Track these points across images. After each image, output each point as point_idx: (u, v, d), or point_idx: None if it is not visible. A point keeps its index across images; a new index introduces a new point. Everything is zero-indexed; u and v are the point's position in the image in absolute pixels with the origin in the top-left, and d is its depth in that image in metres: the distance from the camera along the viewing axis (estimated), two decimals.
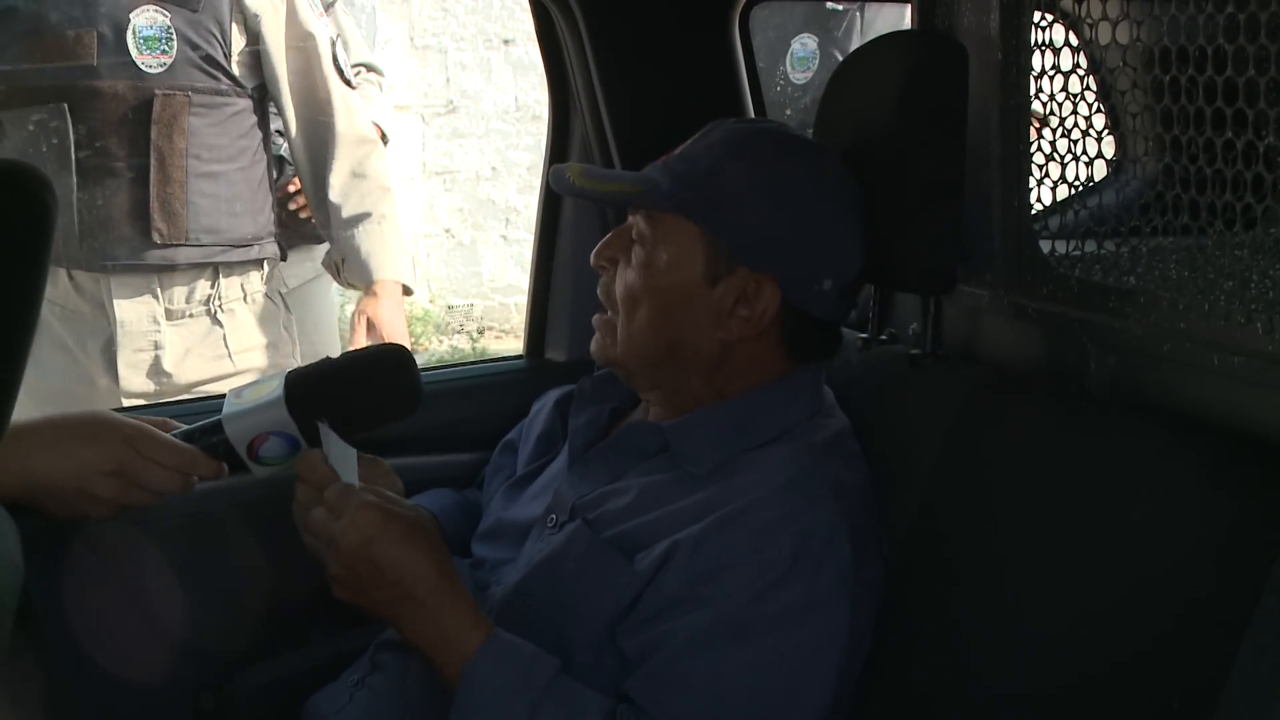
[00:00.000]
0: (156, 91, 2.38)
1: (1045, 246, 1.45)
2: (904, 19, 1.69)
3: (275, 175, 2.67)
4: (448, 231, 6.61)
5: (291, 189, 2.76)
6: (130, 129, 2.39)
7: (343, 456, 1.38)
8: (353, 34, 2.93)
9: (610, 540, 1.39)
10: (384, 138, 2.89)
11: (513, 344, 6.46)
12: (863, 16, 3.11)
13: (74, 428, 1.43)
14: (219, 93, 2.45)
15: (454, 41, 6.40)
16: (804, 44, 3.15)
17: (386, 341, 2.37)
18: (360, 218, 2.55)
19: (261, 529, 1.62)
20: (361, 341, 2.52)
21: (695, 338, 1.45)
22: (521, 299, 6.57)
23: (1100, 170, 1.44)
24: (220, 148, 2.45)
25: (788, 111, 3.06)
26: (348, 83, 2.57)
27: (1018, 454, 1.36)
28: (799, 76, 3.14)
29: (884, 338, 1.67)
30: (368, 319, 2.56)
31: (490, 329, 6.71)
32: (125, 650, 1.57)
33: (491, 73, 6.50)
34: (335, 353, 2.99)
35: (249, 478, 1.45)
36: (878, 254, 1.50)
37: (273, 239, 2.56)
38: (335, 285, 2.85)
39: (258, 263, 2.54)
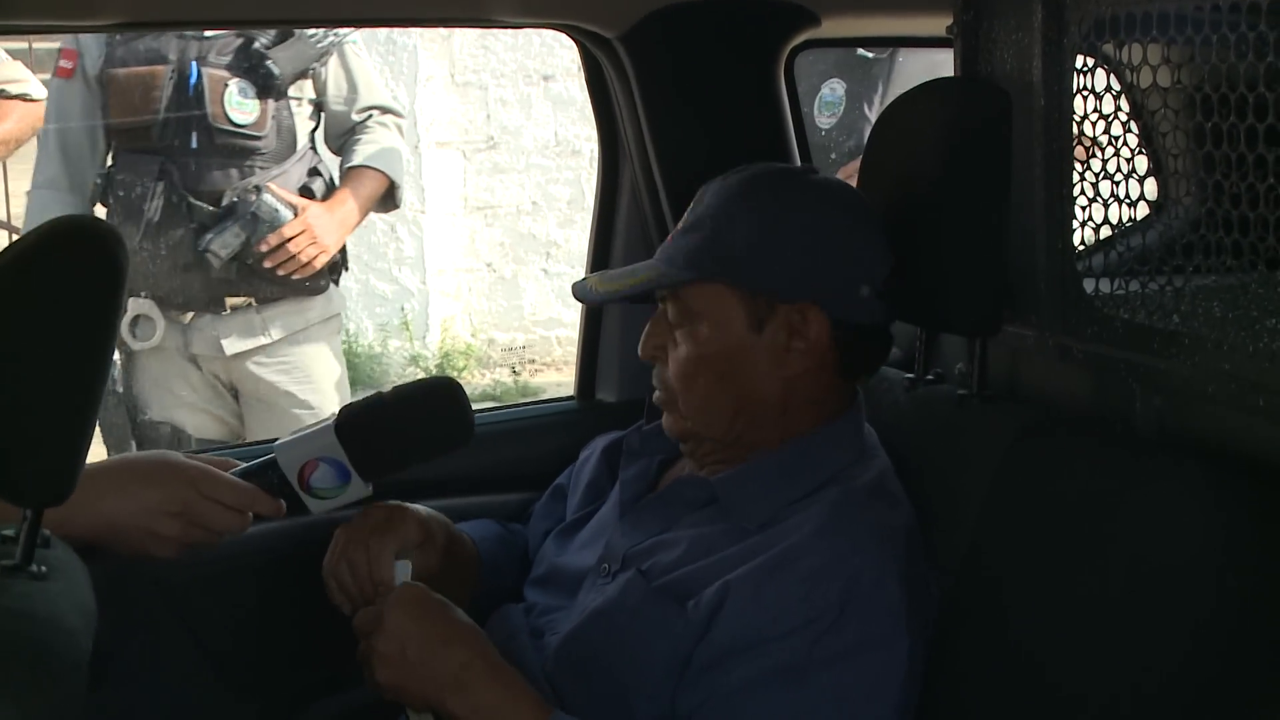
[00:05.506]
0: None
1: (1089, 286, 1.47)
2: (940, 66, 1.71)
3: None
4: (489, 266, 6.65)
5: (264, 248, 2.84)
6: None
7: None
8: (364, 77, 2.99)
9: (662, 588, 1.41)
10: (392, 184, 2.97)
11: (554, 376, 6.49)
12: (893, 63, 3.10)
13: (140, 470, 1.48)
14: None
15: (494, 78, 6.46)
16: (833, 89, 3.15)
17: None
18: None
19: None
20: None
21: (760, 386, 1.46)
22: (562, 332, 6.61)
23: (1142, 211, 1.46)
24: None
25: (832, 156, 3.05)
26: None
27: (1066, 493, 1.37)
28: (824, 121, 3.13)
29: (930, 377, 1.68)
30: None
31: (531, 362, 6.75)
32: (189, 688, 1.61)
33: (531, 108, 6.55)
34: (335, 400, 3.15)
35: (312, 519, 1.49)
36: (924, 295, 1.52)
37: None
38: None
39: None
